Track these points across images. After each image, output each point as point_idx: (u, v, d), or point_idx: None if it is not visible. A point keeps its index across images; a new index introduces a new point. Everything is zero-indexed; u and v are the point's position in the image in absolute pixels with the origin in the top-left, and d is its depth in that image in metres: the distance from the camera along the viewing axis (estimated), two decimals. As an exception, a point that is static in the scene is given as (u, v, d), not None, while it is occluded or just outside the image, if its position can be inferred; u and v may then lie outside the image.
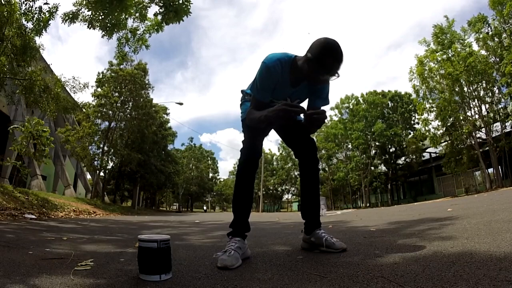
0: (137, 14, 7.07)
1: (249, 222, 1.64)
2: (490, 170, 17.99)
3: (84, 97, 49.99)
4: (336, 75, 1.40)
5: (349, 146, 29.90)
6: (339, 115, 30.54)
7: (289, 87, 1.57)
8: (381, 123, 26.55)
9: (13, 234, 2.82)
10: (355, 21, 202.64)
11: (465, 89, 17.50)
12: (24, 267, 1.36)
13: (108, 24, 6.73)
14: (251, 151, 1.63)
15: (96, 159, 18.95)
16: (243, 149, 1.64)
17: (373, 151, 28.04)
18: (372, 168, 27.63)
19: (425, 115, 19.31)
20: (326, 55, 1.36)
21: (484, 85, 17.29)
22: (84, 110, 18.27)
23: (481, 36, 16.72)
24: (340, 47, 1.39)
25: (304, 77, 1.50)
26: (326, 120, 1.46)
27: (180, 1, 6.24)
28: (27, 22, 7.43)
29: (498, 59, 16.28)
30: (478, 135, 17.69)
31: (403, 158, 27.80)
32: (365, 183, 27.48)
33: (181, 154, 41.56)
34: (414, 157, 26.49)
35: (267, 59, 1.51)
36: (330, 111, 31.45)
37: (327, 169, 33.31)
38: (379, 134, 25.88)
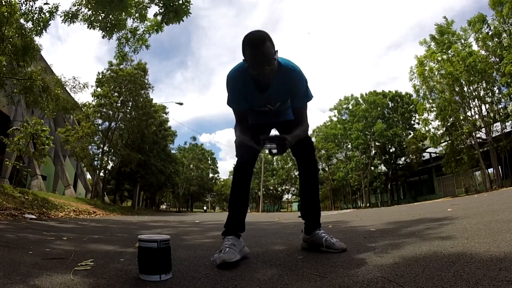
0: (137, 14, 7.07)
1: (244, 223, 1.65)
2: (490, 170, 17.96)
3: (84, 97, 50.05)
4: (274, 54, 1.39)
5: (349, 146, 29.90)
6: (339, 116, 30.57)
7: (258, 94, 1.57)
8: (381, 123, 26.53)
9: (13, 234, 2.82)
10: (355, 21, 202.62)
11: (465, 89, 17.48)
12: (24, 267, 1.36)
13: (108, 24, 6.72)
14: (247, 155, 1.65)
15: (96, 159, 18.97)
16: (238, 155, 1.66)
17: (373, 151, 28.02)
18: (372, 168, 27.61)
19: (425, 115, 19.30)
20: (245, 49, 1.40)
21: (484, 85, 17.27)
22: (83, 110, 18.26)
23: (481, 36, 16.71)
24: (252, 33, 1.40)
25: (268, 80, 1.49)
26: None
27: (180, 2, 6.23)
28: (27, 23, 7.43)
29: (498, 59, 16.28)
30: (478, 135, 17.66)
31: (403, 158, 27.77)
32: (365, 183, 27.46)
33: (184, 154, 41.56)
34: (414, 157, 26.46)
35: (229, 71, 1.58)
36: (329, 112, 31.54)
37: (327, 169, 33.29)
38: (379, 134, 25.87)
